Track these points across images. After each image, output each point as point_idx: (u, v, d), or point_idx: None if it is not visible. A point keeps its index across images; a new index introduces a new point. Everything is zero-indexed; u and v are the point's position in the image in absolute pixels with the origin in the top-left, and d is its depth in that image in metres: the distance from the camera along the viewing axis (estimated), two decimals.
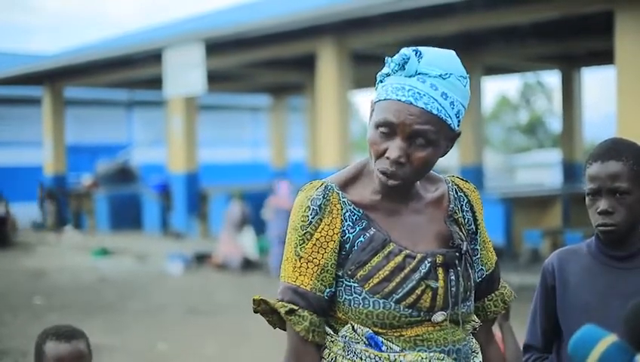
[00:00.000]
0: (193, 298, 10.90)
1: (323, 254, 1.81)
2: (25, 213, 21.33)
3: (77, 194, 22.14)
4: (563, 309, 2.37)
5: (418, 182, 1.91)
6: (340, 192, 1.85)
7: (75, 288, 11.98)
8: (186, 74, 15.57)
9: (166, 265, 13.80)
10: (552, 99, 41.23)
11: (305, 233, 1.82)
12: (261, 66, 18.60)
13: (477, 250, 1.98)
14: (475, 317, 1.96)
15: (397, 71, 1.81)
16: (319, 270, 1.81)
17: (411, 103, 1.77)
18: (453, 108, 1.81)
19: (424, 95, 1.77)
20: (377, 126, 1.80)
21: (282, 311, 1.80)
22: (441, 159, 1.87)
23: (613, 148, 2.27)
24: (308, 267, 1.81)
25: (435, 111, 1.77)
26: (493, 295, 2.01)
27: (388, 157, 1.78)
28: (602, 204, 2.25)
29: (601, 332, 1.73)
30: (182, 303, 10.47)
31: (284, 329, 1.87)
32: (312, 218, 1.82)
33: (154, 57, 16.51)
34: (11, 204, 19.44)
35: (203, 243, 16.09)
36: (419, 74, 1.79)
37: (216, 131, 28.57)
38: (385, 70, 1.85)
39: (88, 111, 27.41)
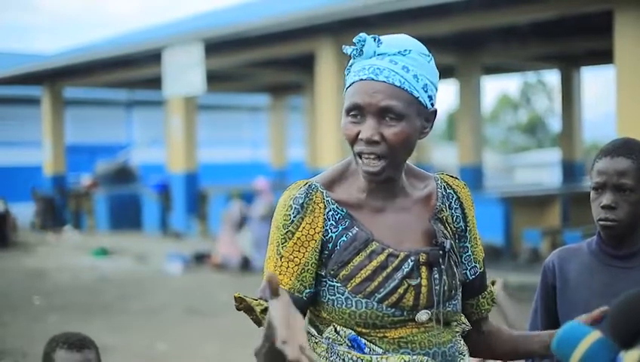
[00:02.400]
0: (192, 298, 10.90)
1: (304, 253, 1.80)
2: (24, 213, 21.30)
3: (76, 194, 22.12)
4: (563, 307, 2.37)
5: (405, 179, 1.89)
6: (324, 191, 1.84)
7: (75, 288, 11.97)
8: (185, 74, 15.57)
9: (165, 265, 13.79)
10: (552, 98, 41.22)
11: (287, 232, 1.81)
12: (260, 66, 18.59)
13: (467, 247, 1.95)
14: (464, 319, 1.93)
15: (357, 56, 1.82)
16: (299, 269, 1.80)
17: (372, 79, 1.77)
18: (418, 82, 1.79)
19: (384, 69, 1.78)
20: (347, 112, 1.81)
21: (258, 309, 1.79)
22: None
23: (625, 146, 2.27)
24: (288, 266, 1.80)
25: (397, 83, 1.76)
26: (485, 293, 2.00)
27: (361, 139, 1.78)
28: (606, 199, 2.25)
29: (586, 329, 1.72)
30: (181, 303, 10.46)
31: None
32: (294, 217, 1.81)
33: (153, 57, 16.50)
34: (11, 204, 19.40)
35: (202, 243, 16.09)
36: (378, 55, 1.80)
37: (215, 131, 28.56)
38: (350, 63, 1.87)
39: (88, 112, 27.41)
